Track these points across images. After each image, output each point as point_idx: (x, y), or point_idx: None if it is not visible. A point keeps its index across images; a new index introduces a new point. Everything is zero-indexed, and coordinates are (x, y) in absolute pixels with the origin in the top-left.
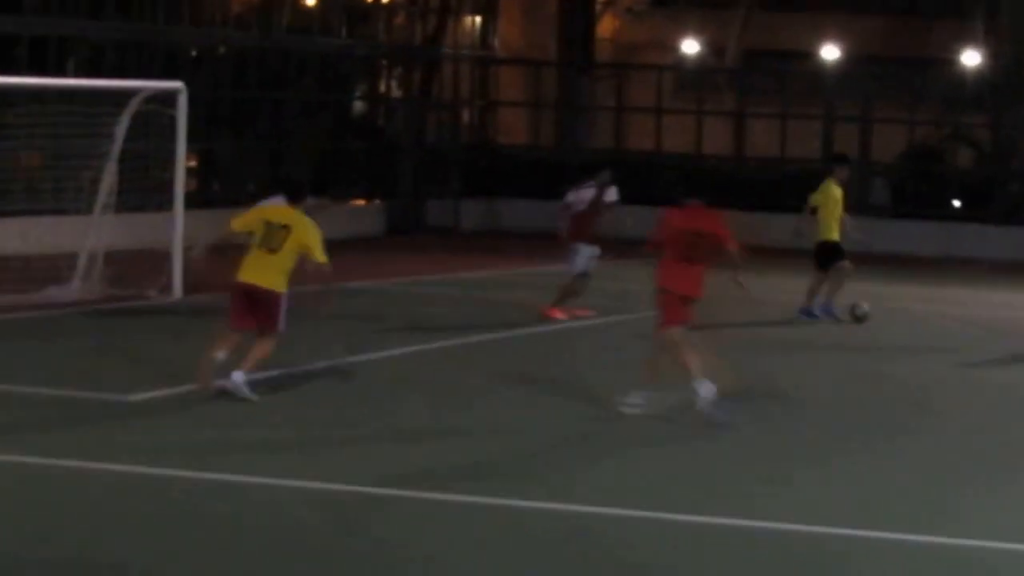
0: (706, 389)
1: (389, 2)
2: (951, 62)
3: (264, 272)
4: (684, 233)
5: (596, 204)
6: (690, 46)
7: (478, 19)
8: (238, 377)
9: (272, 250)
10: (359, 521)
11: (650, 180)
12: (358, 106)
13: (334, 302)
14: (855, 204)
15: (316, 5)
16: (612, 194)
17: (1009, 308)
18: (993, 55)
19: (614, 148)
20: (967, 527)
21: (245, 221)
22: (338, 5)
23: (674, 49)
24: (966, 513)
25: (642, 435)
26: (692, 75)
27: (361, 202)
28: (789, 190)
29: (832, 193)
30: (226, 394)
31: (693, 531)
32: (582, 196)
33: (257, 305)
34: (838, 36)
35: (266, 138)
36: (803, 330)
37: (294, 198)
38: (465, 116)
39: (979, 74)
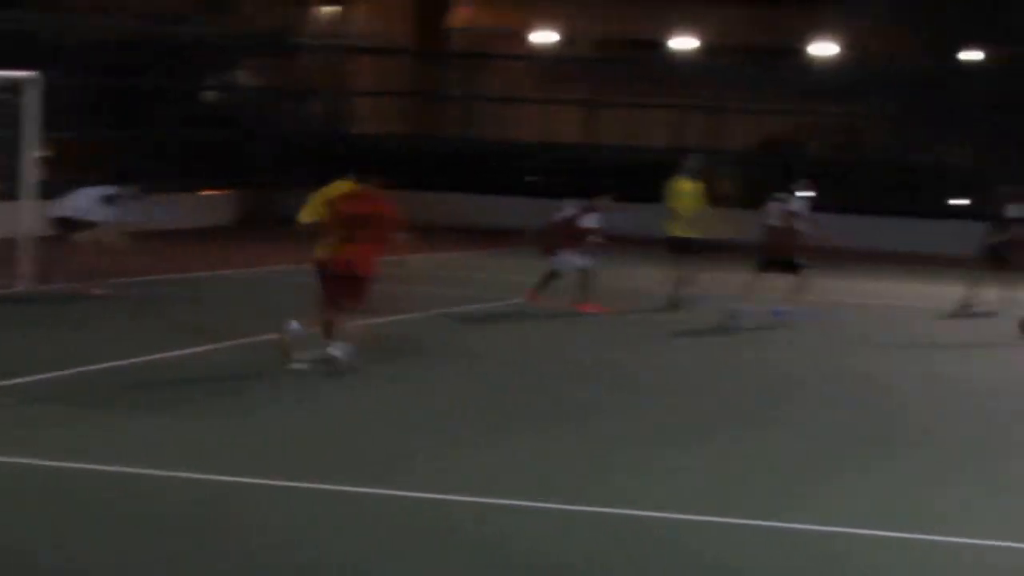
0: (339, 349)
1: None
2: (804, 52)
3: None
4: (352, 216)
5: (570, 223)
6: (543, 35)
7: (334, 8)
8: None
9: None
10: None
11: (503, 168)
12: (212, 95)
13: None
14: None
15: None
16: (591, 220)
17: (860, 295)
18: (845, 45)
19: (469, 137)
20: (817, 513)
21: None
22: None
23: (528, 38)
24: (818, 499)
25: (498, 421)
26: (545, 64)
27: (214, 191)
28: (642, 179)
29: (680, 188)
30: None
31: (564, 518)
32: (566, 213)
33: None
34: (691, 25)
35: (119, 126)
36: (685, 320)
37: None
38: (320, 105)
39: (830, 64)
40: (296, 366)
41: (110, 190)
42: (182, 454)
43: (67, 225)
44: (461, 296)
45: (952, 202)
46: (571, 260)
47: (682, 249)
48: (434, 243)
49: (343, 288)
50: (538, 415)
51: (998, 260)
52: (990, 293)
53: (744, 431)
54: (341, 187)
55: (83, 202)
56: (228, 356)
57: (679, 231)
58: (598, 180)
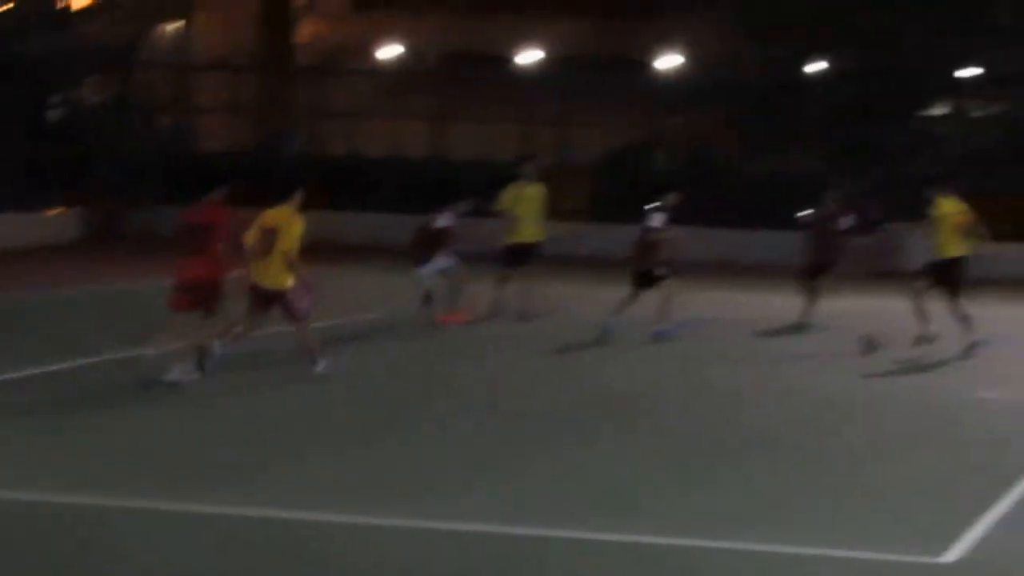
0: (180, 371)
1: (86, 7)
2: (650, 64)
3: None
4: (190, 227)
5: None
6: (390, 50)
7: (177, 24)
8: None
9: None
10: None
11: (351, 183)
12: (55, 112)
13: None
14: (551, 209)
15: (11, 9)
16: (443, 219)
17: (710, 307)
18: (690, 57)
19: (317, 152)
20: (651, 523)
21: None
22: (34, 10)
23: (374, 52)
24: (652, 508)
25: (328, 434)
26: (391, 78)
27: (57, 210)
28: (490, 193)
29: (521, 193)
30: None
31: (397, 534)
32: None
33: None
34: (538, 39)
35: None
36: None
37: None
38: (164, 122)
39: (676, 76)
40: (170, 378)
41: None
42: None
43: None
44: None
45: (800, 214)
46: (436, 266)
47: (524, 256)
48: None
49: (187, 300)
50: (369, 428)
51: (817, 270)
52: (821, 303)
53: (581, 445)
54: (278, 211)
55: None
56: (73, 375)
57: (522, 237)
58: (447, 194)
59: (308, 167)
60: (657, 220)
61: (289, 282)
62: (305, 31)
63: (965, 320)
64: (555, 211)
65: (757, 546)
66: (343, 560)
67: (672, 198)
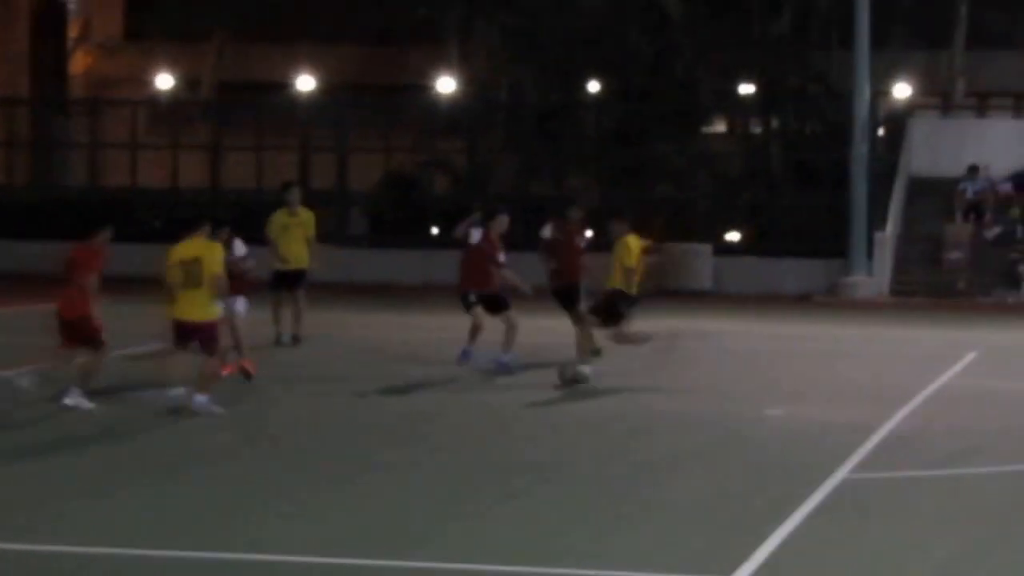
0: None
1: None
2: (426, 88)
3: None
4: (71, 262)
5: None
6: (164, 80)
7: None
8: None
9: None
10: None
11: (127, 216)
12: None
13: None
14: (332, 235)
15: None
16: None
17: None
18: (467, 81)
19: (91, 185)
20: (444, 550)
21: None
22: None
23: (149, 83)
24: (442, 537)
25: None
26: (167, 109)
27: None
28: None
29: (284, 220)
30: None
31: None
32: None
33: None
34: (313, 66)
35: None
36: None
37: None
38: None
39: (453, 100)
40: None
41: None
42: None
43: None
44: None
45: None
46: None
47: (293, 282)
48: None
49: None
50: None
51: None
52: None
53: (360, 473)
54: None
55: None
56: None
57: (288, 264)
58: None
59: (83, 200)
60: (476, 236)
61: (216, 313)
62: (79, 63)
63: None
64: (336, 237)
65: (538, 568)
66: None
67: (501, 221)
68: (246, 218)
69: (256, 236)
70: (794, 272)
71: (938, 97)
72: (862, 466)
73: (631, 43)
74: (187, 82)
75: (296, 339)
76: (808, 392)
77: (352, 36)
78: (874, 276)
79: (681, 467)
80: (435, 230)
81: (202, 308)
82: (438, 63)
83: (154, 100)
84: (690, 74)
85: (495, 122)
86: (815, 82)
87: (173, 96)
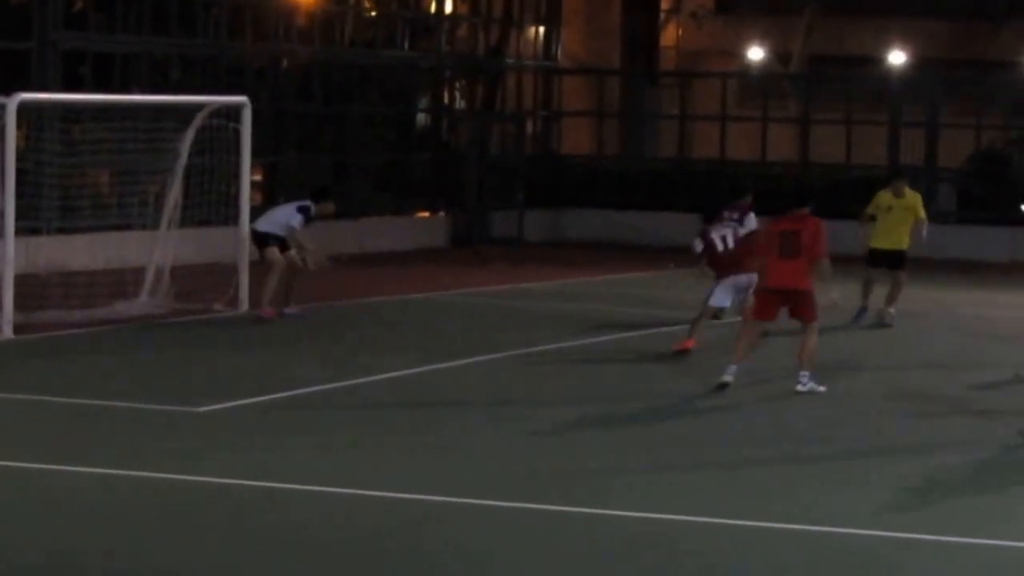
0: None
1: (451, 13)
2: (1019, 65)
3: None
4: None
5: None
6: (754, 53)
7: (541, 29)
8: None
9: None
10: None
11: (714, 188)
12: (421, 118)
13: None
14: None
15: (378, 17)
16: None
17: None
18: None
19: (679, 157)
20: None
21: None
22: (401, 17)
23: (738, 56)
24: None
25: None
26: (757, 82)
27: (425, 214)
28: (854, 196)
29: (883, 201)
30: None
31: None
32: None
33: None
34: (904, 41)
35: (329, 151)
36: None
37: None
38: (529, 127)
39: None
40: None
41: (303, 203)
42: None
43: (261, 240)
44: None
45: None
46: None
47: (892, 262)
48: None
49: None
50: None
51: None
52: None
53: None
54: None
55: (279, 216)
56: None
57: (883, 245)
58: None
59: (673, 171)
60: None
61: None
62: (668, 35)
63: None
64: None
65: None
66: None
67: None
68: (834, 192)
69: (845, 210)
70: None
71: None
72: None
73: None
74: (777, 55)
75: (885, 318)
76: None
77: (944, 10)
78: None
79: None
80: None
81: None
82: None
83: (744, 73)
84: None
85: None
86: None
87: (763, 69)
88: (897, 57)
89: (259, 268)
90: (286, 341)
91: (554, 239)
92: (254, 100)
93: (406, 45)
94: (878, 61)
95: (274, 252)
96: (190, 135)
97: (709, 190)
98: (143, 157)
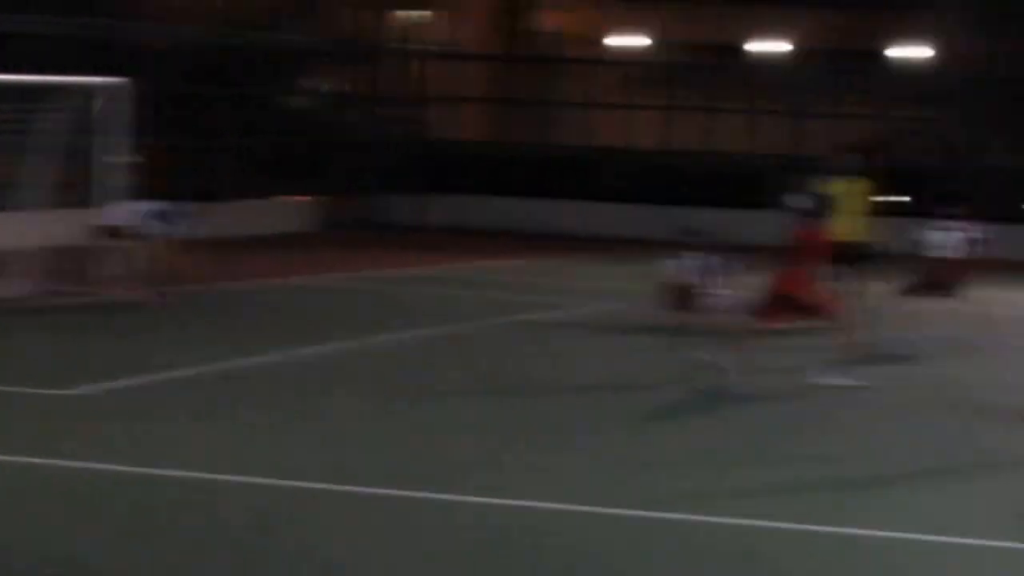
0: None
1: None
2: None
3: None
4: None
5: None
6: (630, 40)
7: (416, 13)
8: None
9: None
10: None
11: (585, 174)
12: (297, 101)
13: None
14: None
15: (259, 0)
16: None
17: None
18: (946, 49)
19: (550, 142)
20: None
21: None
22: (281, 0)
23: (613, 43)
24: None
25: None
26: (631, 69)
27: (300, 198)
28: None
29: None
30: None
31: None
32: None
33: None
34: (779, 30)
35: (207, 134)
36: None
37: None
38: (403, 111)
39: (929, 68)
40: None
41: (161, 206)
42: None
43: (114, 233)
44: None
45: None
46: None
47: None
48: None
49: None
50: None
51: None
52: None
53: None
54: None
55: (131, 215)
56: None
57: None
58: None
59: (537, 157)
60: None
61: None
62: (543, 20)
63: None
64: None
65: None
66: None
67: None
68: (696, 179)
69: (705, 197)
70: None
71: None
72: None
73: None
74: (653, 42)
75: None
76: None
77: (824, 2)
78: None
79: None
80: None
81: None
82: (904, 30)
83: (618, 60)
84: None
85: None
86: None
87: (639, 56)
88: (771, 46)
89: (123, 251)
90: (151, 326)
91: (425, 223)
92: (134, 81)
93: (281, 27)
94: (748, 50)
95: (126, 242)
96: (66, 116)
97: (578, 176)
98: (17, 138)
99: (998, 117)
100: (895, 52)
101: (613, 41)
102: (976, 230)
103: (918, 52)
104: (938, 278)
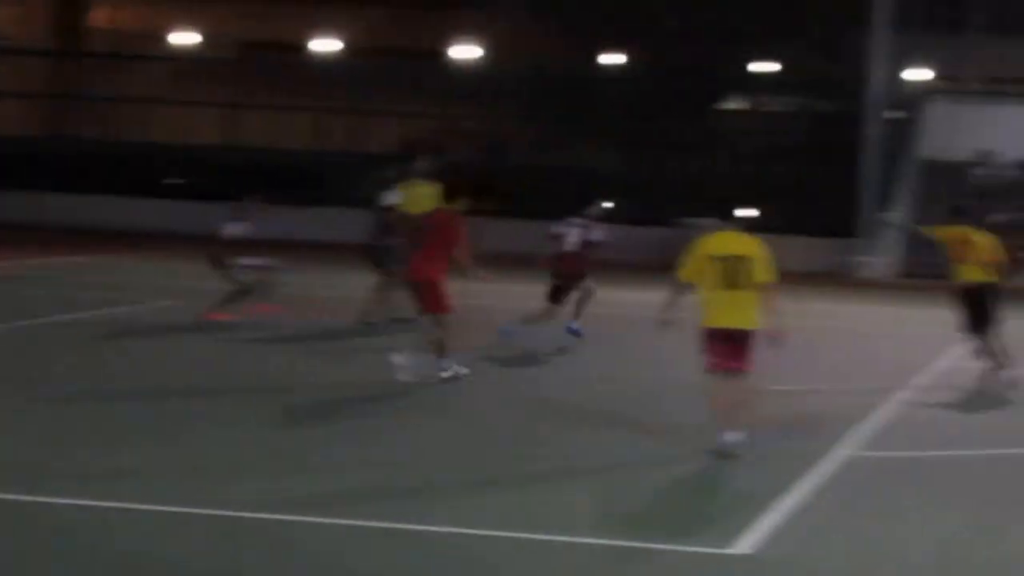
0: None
1: None
2: (447, 56)
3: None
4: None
5: None
6: (187, 36)
7: None
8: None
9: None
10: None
11: (144, 169)
12: None
13: None
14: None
15: None
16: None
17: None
18: (488, 50)
19: (108, 139)
20: None
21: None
22: None
23: (170, 39)
24: None
25: None
26: (189, 65)
27: None
28: (279, 181)
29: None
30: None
31: None
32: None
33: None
34: (336, 28)
35: None
36: None
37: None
38: None
39: (474, 69)
40: None
41: None
42: None
43: None
44: None
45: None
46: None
47: None
48: None
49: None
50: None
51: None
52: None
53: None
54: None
55: None
56: None
57: None
58: (240, 182)
59: (101, 154)
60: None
61: None
62: (101, 16)
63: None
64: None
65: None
66: None
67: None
68: (257, 176)
69: (272, 195)
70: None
71: (955, 81)
72: (865, 445)
73: (658, 17)
74: (210, 39)
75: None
76: (814, 369)
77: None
78: (883, 256)
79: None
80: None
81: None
82: (457, 30)
83: (173, 56)
84: (713, 52)
85: (514, 92)
86: (834, 64)
87: (196, 52)
88: (328, 44)
89: None
90: None
91: None
92: None
93: None
94: (308, 48)
95: None
96: None
97: (137, 171)
98: None
99: (542, 114)
100: (454, 51)
101: (173, 38)
102: (598, 229)
103: (472, 51)
104: (563, 271)
